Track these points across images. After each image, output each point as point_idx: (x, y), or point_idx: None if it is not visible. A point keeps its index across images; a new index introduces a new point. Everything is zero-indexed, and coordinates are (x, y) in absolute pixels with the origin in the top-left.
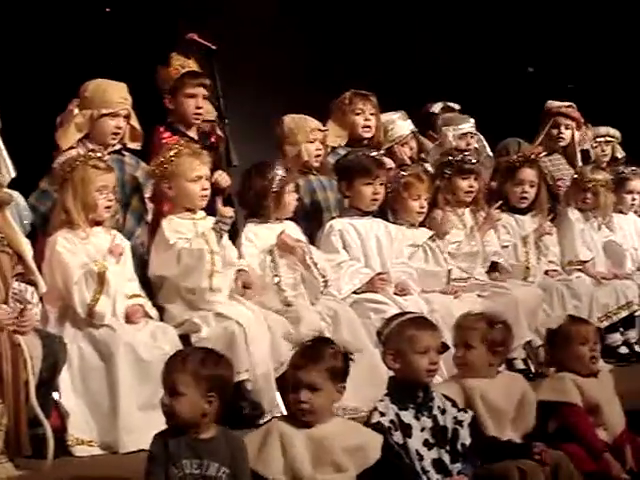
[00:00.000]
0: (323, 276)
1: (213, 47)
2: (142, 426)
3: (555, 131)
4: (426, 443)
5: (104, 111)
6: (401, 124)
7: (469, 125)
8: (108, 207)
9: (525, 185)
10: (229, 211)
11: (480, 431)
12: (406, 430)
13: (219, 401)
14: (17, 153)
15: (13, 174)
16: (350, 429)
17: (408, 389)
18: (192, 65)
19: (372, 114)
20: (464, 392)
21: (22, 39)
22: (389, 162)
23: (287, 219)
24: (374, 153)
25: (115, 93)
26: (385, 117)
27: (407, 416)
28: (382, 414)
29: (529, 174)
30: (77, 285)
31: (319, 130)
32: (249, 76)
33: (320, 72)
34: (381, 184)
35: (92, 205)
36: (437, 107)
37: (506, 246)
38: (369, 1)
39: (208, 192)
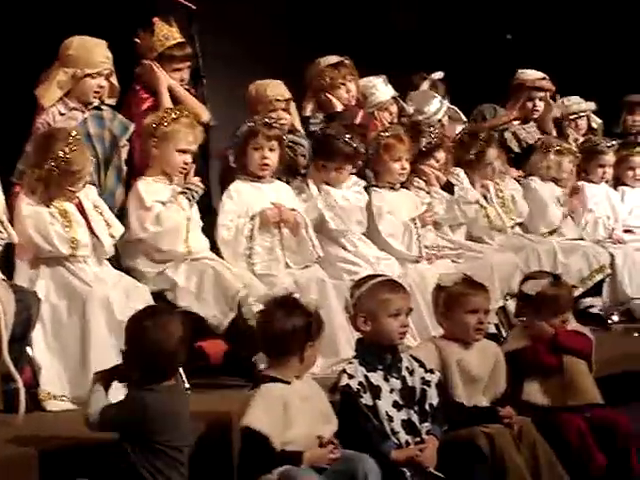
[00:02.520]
0: (318, 254)
1: (193, 7)
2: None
3: (530, 104)
4: (395, 404)
5: (88, 71)
6: (382, 89)
7: (435, 107)
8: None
9: (493, 163)
10: (198, 181)
11: (447, 396)
12: (375, 392)
13: (135, 362)
14: None
15: None
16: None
17: (377, 351)
18: (176, 34)
19: (351, 81)
20: (440, 355)
21: None
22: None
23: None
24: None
25: (100, 53)
26: (366, 82)
27: (376, 378)
28: (350, 376)
29: (492, 154)
30: (52, 225)
31: (278, 100)
32: (227, 36)
33: (299, 33)
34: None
35: (65, 189)
36: (426, 85)
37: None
38: None
39: (188, 167)
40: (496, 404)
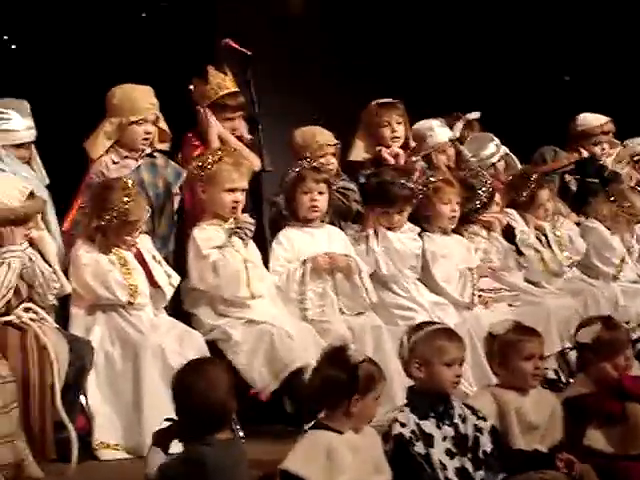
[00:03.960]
0: (370, 299)
1: (248, 52)
2: None
3: (598, 148)
4: (448, 452)
5: (133, 118)
6: (439, 131)
7: (490, 151)
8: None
9: (546, 204)
10: (247, 217)
11: (506, 444)
12: (428, 440)
13: (186, 416)
14: (52, 161)
15: (47, 181)
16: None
17: (429, 399)
18: (229, 84)
19: (399, 123)
20: (498, 404)
21: (58, 46)
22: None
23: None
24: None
25: (143, 99)
26: (424, 124)
27: (428, 426)
28: (403, 425)
29: (544, 195)
30: (111, 273)
31: (328, 145)
32: (282, 80)
33: (352, 78)
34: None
35: (123, 238)
36: (460, 125)
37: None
38: (404, 6)
39: (240, 204)
40: (554, 451)
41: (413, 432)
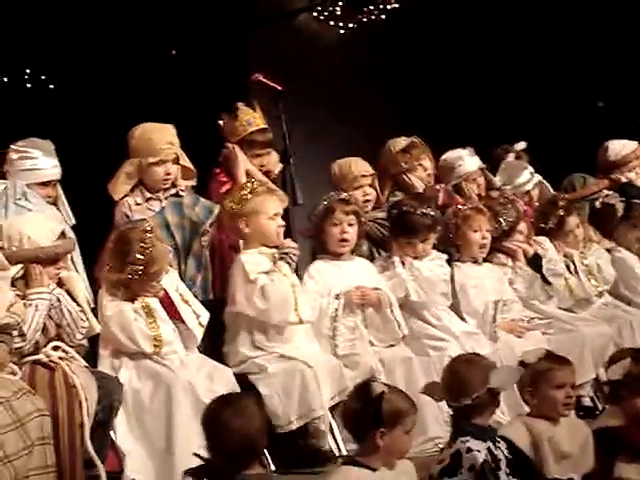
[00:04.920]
0: (403, 333)
1: (279, 88)
2: None
3: (633, 174)
4: (507, 474)
5: (151, 160)
6: (469, 160)
7: (525, 178)
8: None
9: (575, 231)
10: (291, 242)
11: (540, 473)
12: (497, 463)
13: (218, 452)
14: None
15: (73, 221)
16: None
17: (481, 425)
18: (259, 120)
19: (424, 158)
20: (531, 434)
21: (89, 83)
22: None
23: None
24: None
25: (161, 139)
26: (453, 153)
27: (493, 449)
28: (479, 451)
29: (573, 222)
30: (135, 323)
31: (364, 176)
32: (314, 113)
33: (384, 109)
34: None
35: (147, 286)
36: (511, 157)
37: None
38: (434, 35)
39: (283, 229)
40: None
41: (486, 457)
